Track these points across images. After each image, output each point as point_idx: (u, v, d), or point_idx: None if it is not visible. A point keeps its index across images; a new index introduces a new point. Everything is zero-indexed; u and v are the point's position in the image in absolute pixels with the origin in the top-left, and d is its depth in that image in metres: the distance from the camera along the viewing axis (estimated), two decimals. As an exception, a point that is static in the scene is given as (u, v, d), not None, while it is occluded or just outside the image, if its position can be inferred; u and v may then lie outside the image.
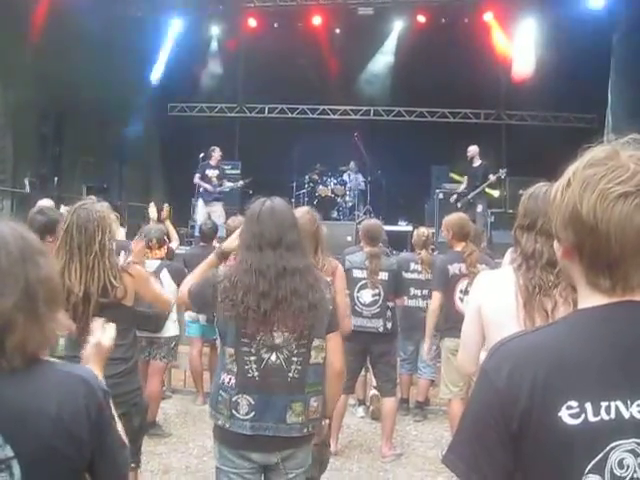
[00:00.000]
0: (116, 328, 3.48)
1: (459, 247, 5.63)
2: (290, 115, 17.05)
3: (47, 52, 11.75)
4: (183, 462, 5.61)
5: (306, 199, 14.01)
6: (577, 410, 1.22)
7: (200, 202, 12.29)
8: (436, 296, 5.74)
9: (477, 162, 11.82)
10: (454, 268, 5.59)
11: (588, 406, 1.22)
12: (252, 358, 2.87)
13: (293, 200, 13.46)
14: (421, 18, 15.53)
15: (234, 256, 3.25)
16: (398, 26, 16.00)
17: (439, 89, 14.68)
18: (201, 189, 12.31)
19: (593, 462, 1.22)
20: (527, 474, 1.26)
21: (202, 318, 6.86)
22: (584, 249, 1.29)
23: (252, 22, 16.27)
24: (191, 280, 3.25)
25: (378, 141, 14.98)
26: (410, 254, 7.53)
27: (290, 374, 2.88)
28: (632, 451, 1.22)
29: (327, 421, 3.21)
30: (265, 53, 15.03)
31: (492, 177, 11.54)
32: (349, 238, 10.46)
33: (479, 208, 11.56)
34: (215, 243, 6.88)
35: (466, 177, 12.07)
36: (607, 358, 1.26)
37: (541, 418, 1.24)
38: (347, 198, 14.31)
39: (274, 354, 2.87)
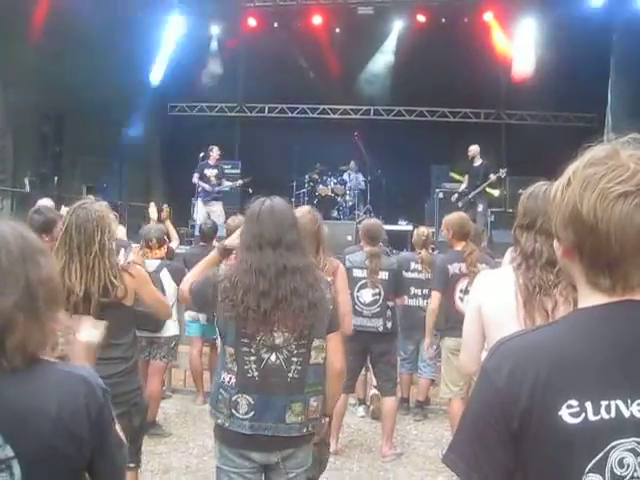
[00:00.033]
0: (116, 328, 3.51)
1: (459, 246, 5.63)
2: (290, 115, 17.05)
3: (47, 52, 11.75)
4: (183, 462, 5.61)
5: (306, 198, 14.01)
6: (577, 409, 1.22)
7: (199, 202, 12.30)
8: (435, 296, 5.74)
9: (478, 161, 11.82)
10: (454, 268, 5.59)
11: (588, 405, 1.22)
12: (252, 358, 2.87)
13: (293, 199, 13.45)
14: (421, 18, 15.54)
15: (234, 255, 3.25)
16: (398, 26, 16.00)
17: (439, 89, 14.70)
18: (200, 189, 12.31)
19: (593, 461, 1.22)
20: (527, 473, 1.26)
21: (202, 318, 6.86)
22: (584, 248, 1.29)
23: (252, 22, 16.27)
24: (192, 277, 3.25)
25: (378, 140, 14.99)
26: (410, 253, 7.53)
27: (290, 374, 2.88)
28: (632, 450, 1.22)
29: (327, 419, 3.21)
30: (265, 53, 15.04)
31: (492, 177, 11.55)
32: (349, 237, 10.46)
33: (480, 207, 11.56)
34: (215, 243, 6.88)
35: (467, 176, 12.08)
36: (607, 357, 1.26)
37: (541, 417, 1.24)
38: (347, 197, 14.31)
39: (274, 354, 2.87)
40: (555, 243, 1.39)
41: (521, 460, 1.26)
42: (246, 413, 2.87)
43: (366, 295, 5.74)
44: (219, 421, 2.95)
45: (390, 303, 5.82)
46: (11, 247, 1.50)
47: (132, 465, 3.73)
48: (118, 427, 1.70)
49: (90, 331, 2.09)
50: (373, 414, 6.74)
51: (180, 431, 6.35)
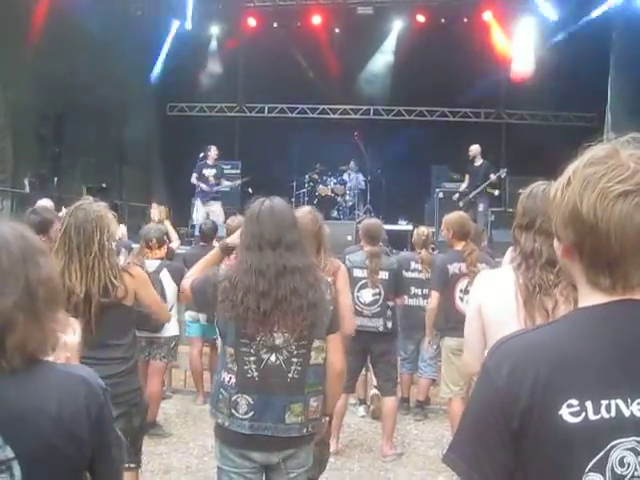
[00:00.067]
0: (116, 328, 3.51)
1: (459, 246, 5.63)
2: (290, 114, 17.07)
3: (47, 52, 11.75)
4: (184, 462, 5.60)
5: (306, 198, 14.03)
6: (577, 408, 1.22)
7: (198, 202, 12.30)
8: (434, 296, 5.75)
9: (479, 161, 11.83)
10: (454, 267, 5.58)
11: (588, 404, 1.22)
12: (252, 358, 2.87)
13: (293, 199, 13.47)
14: (420, 17, 15.57)
15: (234, 256, 3.25)
16: (398, 25, 16.03)
17: (439, 88, 14.71)
18: (198, 189, 12.32)
19: (594, 461, 1.21)
20: (528, 473, 1.26)
21: (202, 318, 6.86)
22: (584, 248, 1.29)
23: (252, 22, 16.30)
24: (194, 274, 3.26)
25: (378, 140, 15.01)
26: (410, 253, 7.53)
27: (290, 375, 2.88)
28: (633, 449, 1.22)
29: (327, 419, 3.21)
30: (265, 53, 15.05)
31: (493, 176, 11.55)
32: (349, 237, 10.46)
33: (480, 207, 11.56)
34: (215, 243, 6.88)
35: (467, 176, 12.07)
36: (607, 356, 1.26)
37: (542, 416, 1.24)
38: (347, 197, 14.32)
39: (274, 355, 2.86)
40: (555, 242, 1.39)
41: (521, 460, 1.26)
42: (246, 413, 2.87)
43: (366, 295, 5.74)
44: (219, 420, 2.95)
45: (390, 303, 5.83)
46: (12, 247, 1.50)
47: (132, 465, 3.73)
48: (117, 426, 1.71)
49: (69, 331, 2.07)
50: (373, 414, 6.74)
51: (180, 431, 6.34)
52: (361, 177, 14.45)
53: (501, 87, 15.98)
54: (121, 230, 6.32)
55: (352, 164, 14.39)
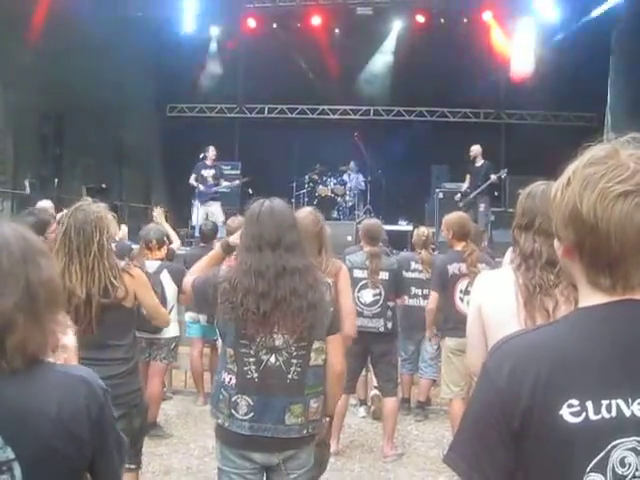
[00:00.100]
0: (117, 329, 3.51)
1: (459, 246, 5.62)
2: (290, 115, 17.07)
3: (47, 53, 11.76)
4: (184, 463, 5.60)
5: (306, 199, 14.03)
6: (578, 409, 1.22)
7: (197, 203, 12.30)
8: (433, 296, 5.76)
9: (480, 161, 11.82)
10: (454, 268, 5.58)
11: (589, 404, 1.22)
12: (251, 359, 2.87)
13: (293, 200, 13.47)
14: (420, 18, 15.55)
15: (234, 257, 3.25)
16: (397, 26, 16.02)
17: (438, 89, 14.72)
18: (197, 190, 12.33)
19: (595, 461, 1.21)
20: (528, 473, 1.26)
21: (202, 319, 6.86)
22: (584, 248, 1.29)
23: (251, 22, 16.28)
24: (196, 272, 3.27)
25: (378, 141, 15.01)
26: (410, 253, 7.53)
27: (289, 376, 2.88)
28: (633, 449, 1.22)
29: (327, 419, 3.21)
30: (264, 53, 15.06)
31: (493, 177, 11.54)
32: (349, 238, 10.46)
33: (481, 207, 11.55)
34: (215, 243, 6.88)
35: (468, 176, 12.06)
36: (607, 356, 1.26)
37: (542, 416, 1.24)
38: (347, 198, 14.31)
39: (273, 356, 2.86)
40: (555, 242, 1.39)
41: (522, 460, 1.26)
42: (245, 414, 2.87)
43: (367, 295, 5.74)
44: (219, 421, 2.96)
45: (391, 303, 5.83)
46: (12, 248, 1.51)
47: (133, 466, 3.73)
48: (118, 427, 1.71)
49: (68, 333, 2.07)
50: (374, 414, 6.74)
51: (181, 432, 6.34)
52: (361, 177, 14.44)
53: (501, 87, 15.99)
54: (122, 231, 6.31)
55: (352, 164, 14.39)
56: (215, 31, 16.66)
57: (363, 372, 6.32)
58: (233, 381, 2.90)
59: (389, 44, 16.28)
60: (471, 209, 11.17)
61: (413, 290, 6.76)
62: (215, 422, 3.01)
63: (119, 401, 3.08)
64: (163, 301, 5.22)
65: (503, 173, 11.84)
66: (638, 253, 1.26)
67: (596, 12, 13.49)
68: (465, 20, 15.23)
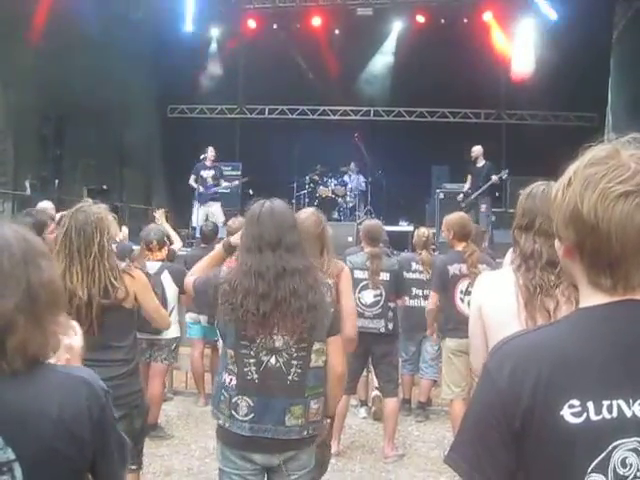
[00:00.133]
0: (117, 330, 3.51)
1: (460, 247, 5.62)
2: (290, 116, 17.08)
3: (48, 54, 11.77)
4: (185, 464, 5.60)
5: (307, 200, 14.03)
6: (579, 409, 1.22)
7: (196, 204, 12.30)
8: (433, 296, 5.76)
9: (481, 162, 11.81)
10: (454, 268, 5.57)
11: (590, 405, 1.22)
12: (251, 361, 2.86)
13: (294, 201, 13.47)
14: (420, 18, 15.57)
15: (235, 258, 3.24)
16: (397, 26, 16.04)
17: (439, 89, 14.70)
18: (197, 191, 12.34)
19: (596, 461, 1.21)
20: (529, 473, 1.26)
21: (203, 319, 6.86)
22: (585, 248, 1.29)
23: (251, 23, 16.30)
24: (198, 271, 3.27)
25: (378, 141, 15.01)
26: (411, 254, 7.52)
27: (289, 377, 2.87)
28: (635, 450, 1.22)
29: (328, 420, 3.21)
30: (265, 54, 15.06)
31: (494, 178, 11.53)
32: (350, 239, 10.46)
33: (483, 208, 11.55)
34: (216, 244, 6.87)
35: (469, 177, 12.05)
36: (608, 357, 1.26)
37: (543, 417, 1.24)
38: (348, 199, 14.31)
39: (274, 357, 2.86)
40: (556, 243, 1.39)
41: (523, 460, 1.26)
42: (246, 415, 2.87)
43: (367, 296, 5.74)
44: (220, 422, 2.96)
45: (391, 304, 5.82)
46: (13, 250, 1.51)
47: (134, 467, 3.74)
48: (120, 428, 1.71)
49: (72, 336, 2.07)
50: (375, 415, 6.73)
51: (182, 433, 6.34)
52: (362, 178, 14.43)
53: (501, 87, 15.98)
54: (123, 233, 6.31)
55: (353, 165, 14.37)
56: (215, 32, 16.69)
57: (364, 373, 6.32)
58: (234, 382, 2.89)
59: (389, 45, 16.29)
60: (472, 210, 11.18)
61: (414, 291, 6.76)
62: (216, 423, 3.01)
63: (120, 402, 3.07)
64: (164, 302, 5.22)
65: (504, 174, 11.83)
66: (639, 253, 1.26)
67: (596, 12, 13.48)
68: (465, 20, 15.24)
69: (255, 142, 15.64)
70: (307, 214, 3.86)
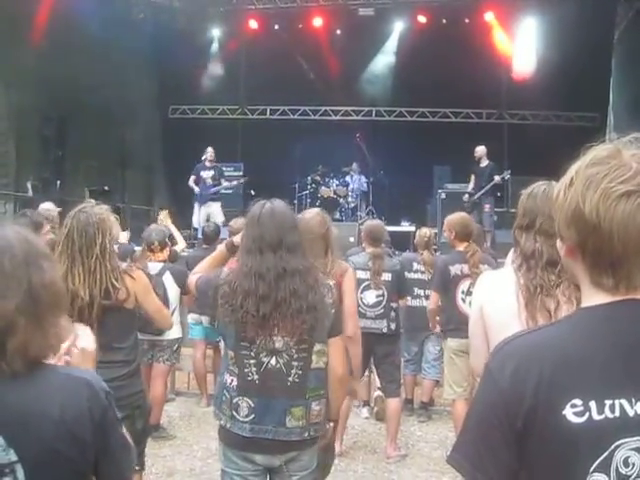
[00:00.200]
0: (118, 331, 3.51)
1: (461, 247, 5.61)
2: (292, 116, 17.08)
3: (49, 55, 11.78)
4: (187, 464, 5.60)
5: (308, 200, 14.03)
6: (581, 408, 1.22)
7: (196, 205, 12.30)
8: (433, 296, 5.76)
9: (485, 162, 11.81)
10: (455, 269, 5.56)
11: (592, 404, 1.23)
12: (252, 361, 2.86)
13: (295, 201, 13.48)
14: (422, 18, 15.56)
15: (236, 259, 3.24)
16: (399, 27, 16.04)
17: (440, 89, 14.68)
18: (197, 191, 12.35)
19: (598, 461, 1.21)
20: (532, 472, 1.26)
21: (205, 320, 6.86)
22: (587, 248, 1.29)
23: (253, 24, 16.31)
24: (200, 271, 3.27)
25: (380, 142, 15.01)
26: (413, 254, 7.53)
27: (290, 378, 2.86)
28: (637, 449, 1.22)
29: (331, 425, 3.19)
30: (266, 55, 15.06)
31: (497, 178, 11.53)
32: (352, 239, 10.47)
33: (486, 208, 11.54)
34: (218, 245, 6.86)
35: (473, 177, 12.04)
36: (610, 356, 1.26)
37: (546, 416, 1.24)
38: (349, 199, 14.30)
39: (274, 358, 2.85)
40: (558, 242, 1.39)
41: (526, 459, 1.26)
42: (246, 416, 2.86)
43: (369, 296, 5.74)
44: (222, 422, 2.95)
45: (394, 304, 5.82)
46: (15, 251, 1.51)
47: (136, 468, 3.73)
48: (124, 430, 1.70)
49: (85, 338, 2.07)
50: (377, 415, 6.73)
51: (184, 434, 6.35)
52: (363, 178, 14.43)
53: (503, 87, 15.96)
54: (123, 237, 6.29)
55: (354, 166, 14.37)
56: (217, 32, 16.70)
57: (366, 373, 6.32)
58: (234, 383, 2.89)
59: (391, 45, 16.28)
60: (475, 210, 11.18)
61: (416, 291, 6.76)
62: (218, 424, 3.01)
63: (121, 403, 3.06)
64: (165, 303, 5.21)
65: (507, 174, 11.82)
66: (641, 253, 1.26)
67: (597, 12, 13.48)
68: (467, 20, 15.22)
69: (257, 143, 15.64)
70: (312, 214, 3.86)
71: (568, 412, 1.22)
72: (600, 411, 1.22)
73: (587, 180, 1.28)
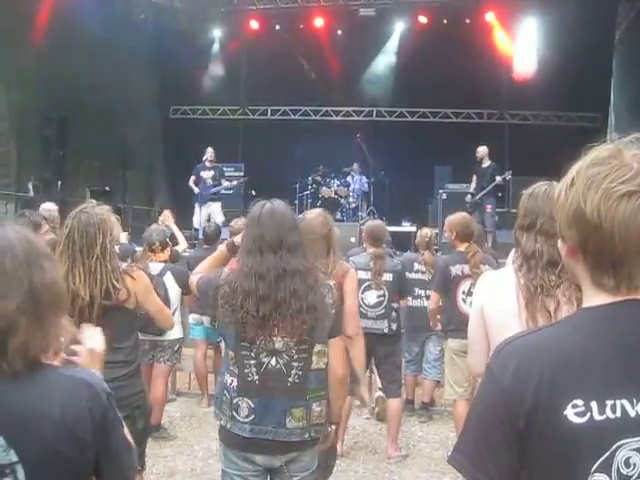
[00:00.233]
0: (118, 331, 3.51)
1: (462, 247, 5.61)
2: (293, 117, 17.08)
3: (50, 55, 11.79)
4: (188, 465, 5.61)
5: (309, 201, 14.02)
6: (583, 409, 1.22)
7: (196, 205, 12.30)
8: (434, 296, 5.76)
9: (486, 163, 11.81)
10: (456, 269, 5.56)
11: (593, 405, 1.22)
12: (252, 362, 2.85)
13: (296, 202, 13.48)
14: (422, 19, 15.56)
15: (236, 259, 3.24)
16: (400, 27, 16.04)
17: (441, 89, 14.68)
18: (195, 192, 12.36)
19: (599, 461, 1.21)
20: (533, 472, 1.26)
21: (206, 320, 6.85)
22: (588, 248, 1.29)
23: (254, 24, 16.31)
24: (202, 270, 3.27)
25: (381, 142, 15.00)
26: (414, 254, 7.52)
27: (290, 379, 2.86)
28: (638, 450, 1.22)
29: (333, 427, 3.18)
30: (267, 55, 15.07)
31: (498, 179, 11.53)
32: (353, 239, 10.47)
33: (488, 208, 11.54)
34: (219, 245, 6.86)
35: (475, 177, 12.04)
36: (611, 357, 1.26)
37: (547, 416, 1.24)
38: (350, 199, 14.29)
39: (274, 358, 2.85)
40: (559, 243, 1.39)
41: (527, 459, 1.26)
42: (246, 416, 2.86)
43: (371, 297, 5.73)
44: (222, 422, 2.95)
45: (395, 304, 5.81)
46: (16, 251, 1.51)
47: (137, 468, 3.73)
48: (126, 431, 1.70)
49: (94, 338, 2.08)
50: (378, 416, 6.73)
51: (185, 434, 6.35)
52: (364, 179, 14.42)
53: (504, 88, 15.95)
54: (123, 238, 6.29)
55: (355, 166, 14.36)
56: (218, 33, 16.71)
57: (367, 373, 6.31)
58: (234, 383, 2.89)
59: (392, 45, 16.29)
60: (477, 210, 11.17)
61: (416, 291, 6.75)
62: (218, 424, 3.01)
63: (121, 403, 3.05)
64: (166, 303, 5.21)
65: (508, 175, 11.82)
66: (642, 253, 1.26)
67: (598, 11, 13.47)
68: (467, 21, 15.22)
69: (257, 143, 15.64)
70: (314, 214, 3.86)
71: (569, 412, 1.22)
72: (601, 411, 1.22)
73: (588, 180, 1.28)
